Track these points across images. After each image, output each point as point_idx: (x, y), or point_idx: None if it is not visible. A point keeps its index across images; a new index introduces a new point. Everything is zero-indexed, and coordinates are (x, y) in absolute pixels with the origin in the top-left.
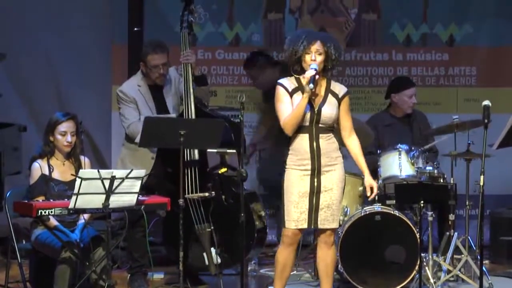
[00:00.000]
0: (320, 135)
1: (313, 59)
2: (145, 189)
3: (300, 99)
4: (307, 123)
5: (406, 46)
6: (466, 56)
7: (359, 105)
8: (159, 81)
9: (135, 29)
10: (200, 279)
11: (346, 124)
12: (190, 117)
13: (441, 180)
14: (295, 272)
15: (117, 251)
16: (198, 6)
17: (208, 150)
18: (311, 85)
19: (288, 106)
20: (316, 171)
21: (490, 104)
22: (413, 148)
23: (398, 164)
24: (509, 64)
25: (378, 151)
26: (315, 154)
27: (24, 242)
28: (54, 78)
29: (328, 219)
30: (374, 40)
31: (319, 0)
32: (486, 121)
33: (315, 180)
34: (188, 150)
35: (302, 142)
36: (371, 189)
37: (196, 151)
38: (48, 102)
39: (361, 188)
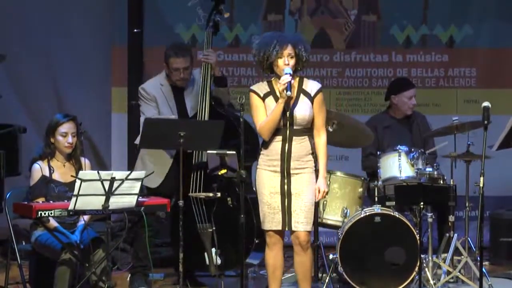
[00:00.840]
0: (294, 137)
1: (286, 63)
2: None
3: (272, 103)
4: (281, 126)
5: (406, 48)
6: (466, 58)
7: (358, 106)
8: (180, 83)
9: (135, 30)
10: (199, 281)
11: (317, 122)
12: (204, 117)
13: (441, 182)
14: (295, 273)
15: (117, 252)
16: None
17: (208, 151)
18: (289, 92)
19: (262, 112)
20: (285, 173)
21: (489, 106)
22: (412, 149)
23: (398, 166)
24: (508, 65)
25: (378, 153)
26: (285, 157)
27: (24, 243)
28: (54, 80)
29: (302, 222)
30: (374, 42)
31: (319, 1)
32: (485, 122)
33: (285, 181)
34: (196, 152)
35: (275, 144)
36: (319, 191)
37: (204, 153)
38: (48, 104)
39: (361, 190)
